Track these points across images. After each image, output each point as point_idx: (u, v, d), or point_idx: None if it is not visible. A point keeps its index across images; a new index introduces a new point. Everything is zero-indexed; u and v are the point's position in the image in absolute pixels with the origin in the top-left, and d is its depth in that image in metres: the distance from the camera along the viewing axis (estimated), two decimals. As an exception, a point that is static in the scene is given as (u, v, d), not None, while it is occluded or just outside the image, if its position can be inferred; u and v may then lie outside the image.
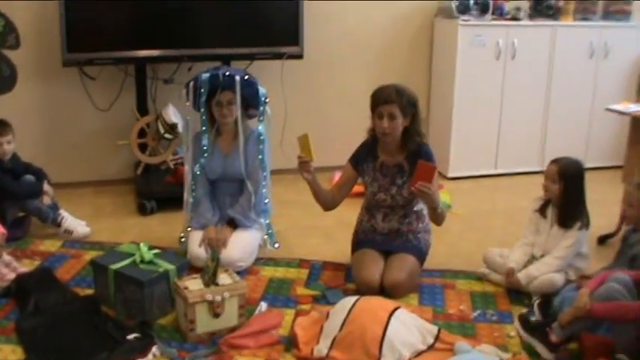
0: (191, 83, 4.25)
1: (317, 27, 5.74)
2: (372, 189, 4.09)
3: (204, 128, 4.31)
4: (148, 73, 5.47)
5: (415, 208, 4.12)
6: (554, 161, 3.94)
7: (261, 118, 4.35)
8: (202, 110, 4.26)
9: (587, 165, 3.99)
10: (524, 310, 3.72)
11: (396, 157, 4.03)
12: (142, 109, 5.45)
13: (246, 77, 4.26)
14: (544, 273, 3.83)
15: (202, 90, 4.20)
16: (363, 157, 4.11)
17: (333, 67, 6.07)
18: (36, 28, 5.27)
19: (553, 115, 6.23)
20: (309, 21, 5.54)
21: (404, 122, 3.92)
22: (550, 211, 3.99)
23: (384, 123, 3.88)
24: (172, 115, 5.24)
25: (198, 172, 4.35)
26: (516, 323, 3.43)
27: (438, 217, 3.94)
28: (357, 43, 6.08)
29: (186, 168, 4.43)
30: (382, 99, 3.89)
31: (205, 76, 4.20)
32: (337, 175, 5.73)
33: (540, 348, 3.31)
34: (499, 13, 6.00)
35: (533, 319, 3.54)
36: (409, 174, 3.97)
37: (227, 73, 4.22)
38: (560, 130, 6.24)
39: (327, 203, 4.11)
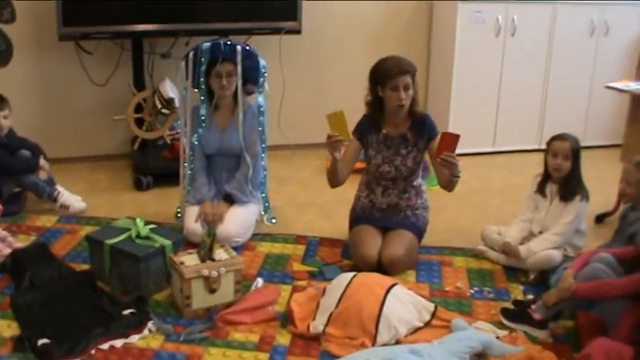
0: (190, 54, 4.21)
1: (315, 2, 5.69)
2: (376, 161, 4.06)
3: (202, 98, 4.28)
4: (145, 48, 5.42)
5: (414, 184, 4.11)
6: (561, 138, 3.91)
7: (261, 90, 4.32)
8: (202, 80, 4.23)
9: (586, 143, 3.99)
10: (520, 287, 3.75)
11: (400, 128, 4.02)
12: (139, 84, 5.42)
13: (247, 48, 4.23)
14: (544, 249, 3.84)
15: (203, 60, 4.17)
16: (367, 129, 4.08)
17: (332, 42, 6.02)
18: (32, 2, 5.22)
19: (552, 92, 6.20)
20: (307, -4, 5.51)
21: (413, 92, 3.93)
22: (549, 188, 3.98)
23: (401, 94, 3.86)
24: (169, 89, 5.20)
25: (195, 143, 4.32)
26: (500, 318, 3.43)
27: (452, 185, 3.92)
28: (355, 18, 6.03)
29: (183, 142, 4.40)
30: (397, 70, 3.85)
31: (206, 45, 4.16)
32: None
33: (529, 330, 3.33)
34: (499, -10, 5.96)
35: (530, 296, 3.55)
36: (413, 144, 4.00)
37: (228, 42, 4.18)
38: (559, 108, 6.21)
39: (340, 180, 4.04)
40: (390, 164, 4.04)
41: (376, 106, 4.01)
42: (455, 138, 3.66)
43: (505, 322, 3.39)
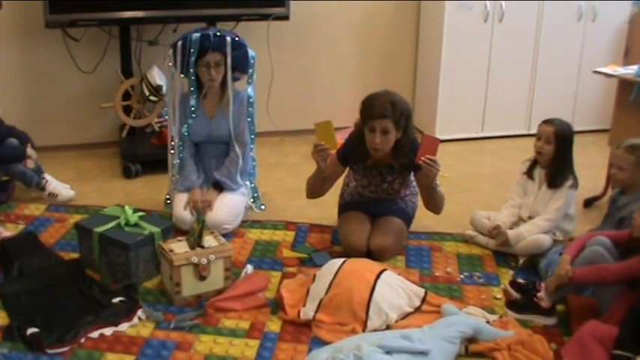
0: (179, 43, 4.19)
1: (303, -12, 5.68)
2: (362, 183, 4.05)
3: (192, 89, 4.26)
4: (133, 35, 5.39)
5: (395, 187, 4.09)
6: (548, 122, 3.92)
7: (250, 81, 4.31)
8: (192, 71, 4.21)
9: (574, 128, 3.98)
10: (510, 272, 3.77)
11: (386, 159, 3.95)
12: (127, 71, 5.38)
13: (236, 39, 4.21)
14: (534, 234, 3.85)
15: (192, 50, 4.15)
16: (353, 157, 3.99)
17: (320, 28, 6.00)
18: (18, -11, 5.19)
19: (540, 78, 6.20)
20: (295, -18, 5.48)
21: (396, 135, 3.80)
22: (537, 173, 3.99)
23: (376, 138, 3.74)
24: (157, 77, 5.18)
25: (186, 134, 4.31)
26: (507, 311, 3.43)
27: (437, 201, 3.91)
28: (343, 4, 6.00)
29: (171, 129, 4.38)
30: (376, 113, 3.71)
31: (196, 35, 4.14)
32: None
33: (538, 319, 3.34)
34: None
35: (520, 280, 3.57)
36: (399, 171, 3.97)
37: (218, 34, 4.17)
38: (548, 94, 6.22)
39: (321, 192, 4.04)
40: (377, 187, 4.04)
41: (361, 136, 3.87)
42: (436, 142, 3.65)
43: (512, 314, 3.38)
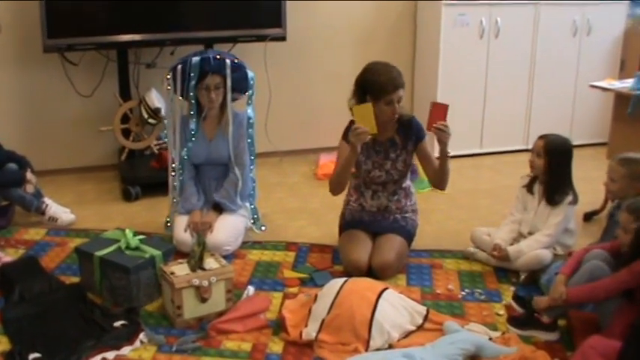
0: (179, 67, 4.19)
1: (300, 8, 5.69)
2: (367, 167, 4.05)
3: (192, 112, 4.27)
4: (130, 58, 5.41)
5: (403, 185, 4.12)
6: (542, 136, 3.94)
7: (250, 102, 4.32)
8: (192, 94, 4.21)
9: (572, 142, 3.99)
10: (511, 288, 3.76)
11: (388, 133, 4.01)
12: (125, 94, 5.40)
13: (235, 61, 4.23)
14: (534, 249, 3.85)
15: (192, 74, 4.15)
16: None
17: (317, 48, 6.02)
18: (16, 14, 5.19)
19: (537, 93, 6.22)
20: (292, 2, 5.49)
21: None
22: (537, 188, 4.00)
23: (395, 108, 3.85)
24: (155, 99, 5.19)
25: (186, 157, 4.31)
26: (508, 327, 3.42)
27: (445, 172, 3.97)
28: (340, 23, 6.03)
29: (171, 152, 4.38)
30: (393, 87, 3.82)
31: (196, 59, 4.15)
32: (323, 158, 5.76)
33: (540, 334, 3.33)
34: (482, -8, 5.98)
35: (521, 295, 3.59)
36: (401, 147, 4.01)
37: (217, 57, 4.18)
38: (545, 108, 6.23)
39: (344, 184, 4.03)
40: (381, 169, 4.04)
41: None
42: (445, 107, 3.76)
43: (514, 330, 3.38)
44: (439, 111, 3.76)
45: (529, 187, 4.03)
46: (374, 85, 3.85)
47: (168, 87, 4.25)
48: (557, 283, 3.26)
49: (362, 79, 3.92)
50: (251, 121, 4.32)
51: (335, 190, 4.02)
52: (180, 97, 4.28)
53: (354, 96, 3.97)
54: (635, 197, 3.46)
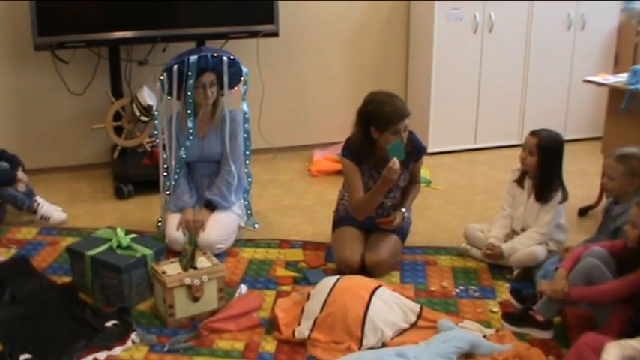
0: (175, 66, 4.11)
1: (292, 4, 5.66)
2: (369, 186, 3.99)
3: (189, 111, 4.22)
4: (122, 55, 5.38)
5: (400, 184, 4.08)
6: (534, 133, 3.90)
7: (244, 97, 4.29)
8: (190, 93, 4.16)
9: (566, 137, 3.98)
10: (506, 284, 3.74)
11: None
12: (117, 92, 5.37)
13: (231, 57, 4.20)
14: (528, 246, 3.83)
15: (190, 74, 4.11)
16: (364, 158, 3.96)
17: (310, 44, 5.99)
18: (6, 12, 5.16)
19: (531, 88, 6.20)
20: (284, -2, 5.49)
21: None
22: (527, 183, 3.97)
23: (403, 138, 3.81)
24: (147, 97, 5.16)
25: (184, 156, 4.27)
26: (503, 323, 3.42)
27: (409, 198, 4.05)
28: (333, 19, 6.00)
29: (161, 152, 4.34)
30: (399, 116, 3.78)
31: (193, 58, 4.10)
32: (316, 155, 5.74)
33: (534, 332, 3.32)
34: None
35: (521, 290, 3.59)
36: (402, 167, 3.92)
37: (214, 54, 4.15)
38: (539, 103, 6.22)
39: (373, 210, 4.01)
40: None
41: (365, 144, 3.90)
42: (388, 222, 3.97)
43: (508, 326, 3.37)
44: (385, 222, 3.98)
45: (519, 182, 4.01)
46: (378, 116, 3.80)
47: (159, 86, 4.19)
48: (558, 276, 3.22)
49: (365, 110, 3.86)
50: (247, 115, 4.30)
51: (362, 215, 3.98)
52: (169, 97, 4.23)
53: (356, 126, 3.92)
54: (634, 193, 3.45)
